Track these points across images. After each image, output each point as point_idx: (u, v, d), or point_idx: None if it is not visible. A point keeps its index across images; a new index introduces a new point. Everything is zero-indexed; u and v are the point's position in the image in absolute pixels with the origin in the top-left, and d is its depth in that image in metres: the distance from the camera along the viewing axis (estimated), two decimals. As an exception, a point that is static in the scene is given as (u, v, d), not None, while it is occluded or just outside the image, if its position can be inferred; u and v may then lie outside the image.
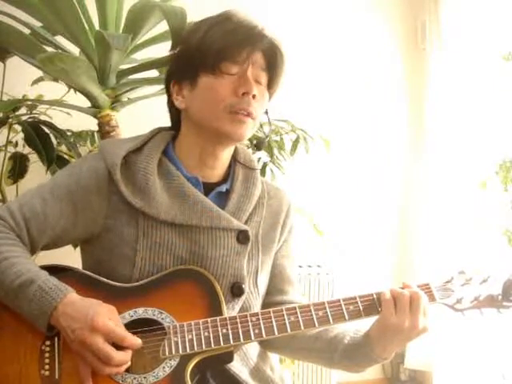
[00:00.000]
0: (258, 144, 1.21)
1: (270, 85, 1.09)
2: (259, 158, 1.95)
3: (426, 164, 2.77)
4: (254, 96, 1.03)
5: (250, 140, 1.60)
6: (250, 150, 1.23)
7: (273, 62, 1.07)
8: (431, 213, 2.72)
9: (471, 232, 2.53)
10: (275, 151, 1.95)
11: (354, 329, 1.09)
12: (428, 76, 2.76)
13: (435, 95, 2.72)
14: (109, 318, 0.92)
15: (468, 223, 2.55)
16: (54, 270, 0.99)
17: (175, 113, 1.13)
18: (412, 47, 2.88)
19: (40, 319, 0.92)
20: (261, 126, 1.44)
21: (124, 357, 0.92)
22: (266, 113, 1.13)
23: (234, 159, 1.16)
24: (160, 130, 1.14)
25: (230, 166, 1.15)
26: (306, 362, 2.38)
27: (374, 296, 1.03)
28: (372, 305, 1.02)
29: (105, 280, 1.02)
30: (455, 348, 2.52)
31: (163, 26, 1.39)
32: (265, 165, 1.92)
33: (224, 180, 1.13)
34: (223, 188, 1.12)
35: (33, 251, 1.05)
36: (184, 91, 1.08)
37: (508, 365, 2.36)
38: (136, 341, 0.93)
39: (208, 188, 1.10)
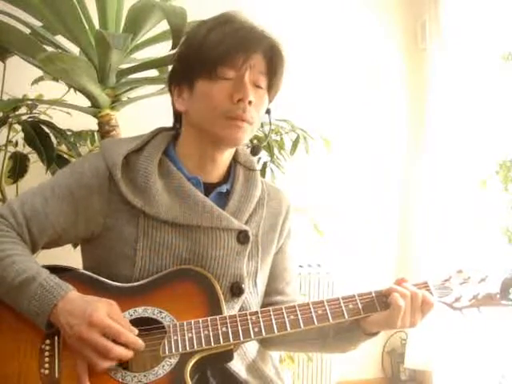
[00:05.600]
0: (253, 149, 1.16)
1: (270, 87, 1.07)
2: (259, 158, 1.95)
3: (426, 163, 2.76)
4: (250, 102, 1.01)
5: (250, 141, 1.59)
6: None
7: (273, 64, 1.05)
8: (431, 212, 2.72)
9: (471, 232, 2.53)
10: (275, 151, 1.94)
11: None
12: (428, 76, 2.75)
13: (435, 95, 2.71)
14: (108, 313, 0.92)
15: (468, 223, 2.54)
16: (55, 271, 0.99)
17: (177, 114, 1.13)
18: (412, 47, 2.88)
19: (40, 316, 0.93)
20: (262, 125, 1.44)
21: (123, 351, 0.92)
22: (268, 113, 1.11)
23: (235, 160, 1.16)
24: (161, 130, 1.14)
25: (230, 167, 1.15)
26: (301, 353, 2.36)
27: (373, 294, 1.04)
28: (371, 303, 1.03)
29: (105, 280, 1.02)
30: (455, 348, 2.52)
31: (163, 26, 1.40)
32: (265, 165, 1.92)
33: (225, 180, 1.13)
34: (224, 188, 1.11)
35: (34, 250, 1.05)
36: (184, 94, 1.07)
37: (508, 365, 2.35)
38: (133, 339, 0.93)
39: (209, 188, 1.10)
